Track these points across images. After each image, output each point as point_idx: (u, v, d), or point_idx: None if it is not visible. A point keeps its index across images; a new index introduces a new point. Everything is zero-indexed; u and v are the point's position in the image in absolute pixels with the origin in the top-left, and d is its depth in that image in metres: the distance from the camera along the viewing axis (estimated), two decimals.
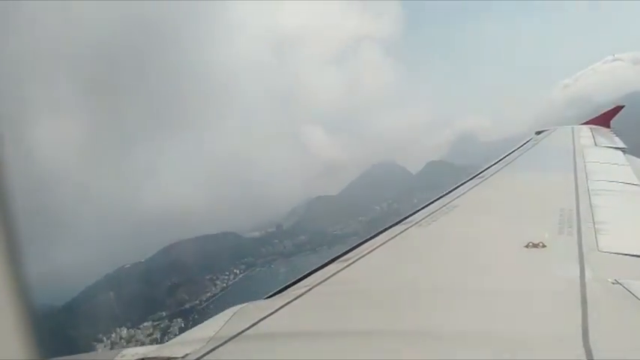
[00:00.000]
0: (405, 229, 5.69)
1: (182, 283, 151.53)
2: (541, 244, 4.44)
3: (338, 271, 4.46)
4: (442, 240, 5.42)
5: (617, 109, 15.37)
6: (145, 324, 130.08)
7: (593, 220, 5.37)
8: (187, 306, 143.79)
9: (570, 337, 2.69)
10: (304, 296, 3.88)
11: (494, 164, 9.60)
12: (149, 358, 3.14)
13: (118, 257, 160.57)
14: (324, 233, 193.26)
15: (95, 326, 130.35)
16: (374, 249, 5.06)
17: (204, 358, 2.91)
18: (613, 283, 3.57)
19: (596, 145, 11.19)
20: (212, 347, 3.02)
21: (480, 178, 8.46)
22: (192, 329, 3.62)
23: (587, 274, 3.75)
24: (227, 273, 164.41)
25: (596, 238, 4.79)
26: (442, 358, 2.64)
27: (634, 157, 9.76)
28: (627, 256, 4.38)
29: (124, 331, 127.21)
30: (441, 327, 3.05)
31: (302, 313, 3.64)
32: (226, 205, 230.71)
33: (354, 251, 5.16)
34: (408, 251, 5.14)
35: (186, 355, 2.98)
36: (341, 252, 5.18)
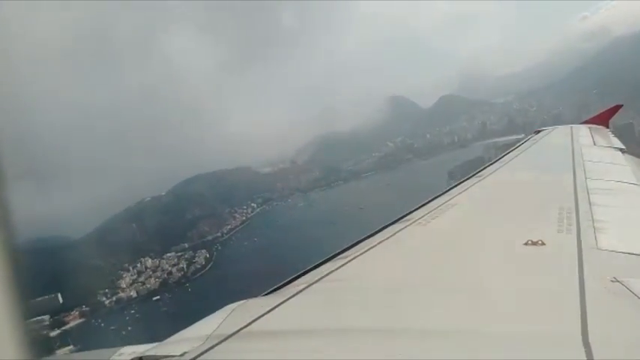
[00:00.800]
0: (404, 227, 5.64)
1: (202, 215, 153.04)
2: (540, 242, 4.47)
3: (336, 269, 4.42)
4: (441, 238, 5.38)
5: (616, 109, 15.37)
6: (169, 254, 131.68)
7: (592, 218, 5.39)
8: (209, 238, 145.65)
9: (570, 335, 2.70)
10: (302, 293, 3.87)
11: (493, 163, 9.63)
12: (147, 356, 3.15)
13: (137, 191, 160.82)
14: (338, 169, 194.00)
15: (120, 256, 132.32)
16: (372, 247, 5.02)
17: (203, 355, 2.90)
18: (612, 282, 3.57)
19: (595, 144, 11.15)
20: (210, 345, 3.02)
21: (479, 176, 8.43)
22: (191, 327, 3.52)
23: (586, 272, 3.76)
24: (244, 207, 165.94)
25: (595, 236, 4.79)
26: (440, 357, 2.65)
27: (633, 157, 9.77)
28: (626, 255, 4.38)
29: (149, 261, 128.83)
30: (440, 325, 3.05)
31: (300, 311, 3.61)
32: (238, 140, 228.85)
33: (352, 249, 5.12)
34: (407, 249, 5.12)
35: (184, 353, 2.98)
36: (339, 249, 5.10)
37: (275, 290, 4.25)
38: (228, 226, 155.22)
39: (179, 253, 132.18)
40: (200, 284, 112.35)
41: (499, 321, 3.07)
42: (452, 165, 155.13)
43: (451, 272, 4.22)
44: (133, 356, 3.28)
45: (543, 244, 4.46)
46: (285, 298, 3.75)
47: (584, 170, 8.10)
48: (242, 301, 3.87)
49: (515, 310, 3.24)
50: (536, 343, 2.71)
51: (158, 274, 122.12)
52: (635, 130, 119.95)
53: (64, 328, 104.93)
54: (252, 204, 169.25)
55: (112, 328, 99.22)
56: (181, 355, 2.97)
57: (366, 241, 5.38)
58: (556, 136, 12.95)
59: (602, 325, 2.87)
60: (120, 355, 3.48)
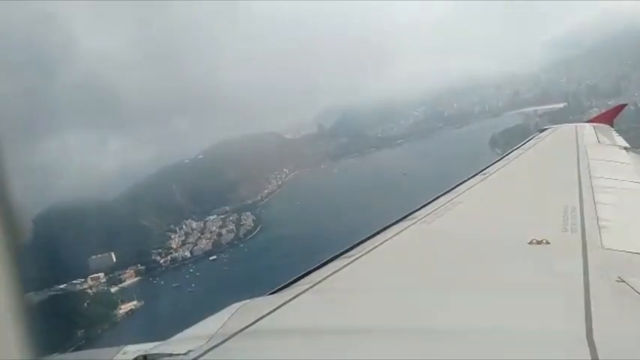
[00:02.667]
0: (409, 226, 5.64)
1: (239, 179, 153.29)
2: (545, 241, 4.44)
3: (341, 268, 4.42)
4: (446, 237, 5.38)
5: (620, 108, 15.41)
6: (211, 217, 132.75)
7: (597, 217, 5.36)
8: (249, 201, 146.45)
9: (574, 335, 2.70)
10: (307, 293, 3.85)
11: (497, 161, 9.68)
12: (151, 354, 3.16)
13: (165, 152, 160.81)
14: (365, 136, 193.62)
15: (163, 217, 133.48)
16: (378, 246, 5.02)
17: (207, 354, 2.91)
18: (617, 281, 3.57)
19: (599, 143, 11.19)
20: (215, 344, 3.02)
21: (484, 174, 8.46)
22: (195, 326, 3.56)
23: (591, 271, 3.75)
24: (276, 172, 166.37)
25: (600, 235, 4.77)
26: (446, 355, 2.65)
27: (637, 155, 9.83)
28: (631, 254, 4.37)
29: (193, 223, 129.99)
30: (445, 325, 3.05)
31: (305, 310, 3.62)
32: (264, 104, 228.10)
33: (357, 248, 5.11)
34: (412, 248, 5.13)
35: (189, 351, 2.98)
36: (344, 248, 5.12)
37: (279, 290, 4.25)
38: (265, 191, 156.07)
39: (221, 216, 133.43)
40: (254, 245, 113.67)
41: (503, 320, 3.08)
42: (490, 133, 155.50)
43: (455, 272, 4.19)
44: (137, 355, 3.26)
45: (548, 243, 4.44)
46: (289, 298, 3.73)
47: (589, 169, 8.07)
48: (246, 300, 3.87)
49: (519, 310, 3.24)
50: (541, 342, 2.73)
51: (208, 235, 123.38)
52: None
53: (121, 285, 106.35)
54: (285, 169, 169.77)
55: (175, 285, 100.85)
56: (185, 353, 2.99)
57: (371, 240, 5.36)
58: (561, 134, 12.97)
59: (607, 324, 2.85)
60: (124, 353, 3.41)
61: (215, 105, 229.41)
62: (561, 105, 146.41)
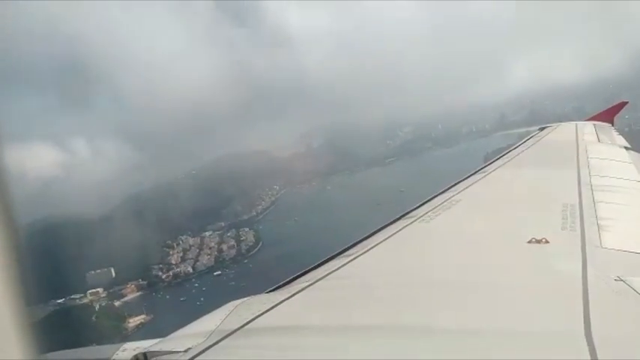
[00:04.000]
0: (408, 224, 5.67)
1: (233, 195, 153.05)
2: (544, 240, 4.46)
3: (340, 267, 4.45)
4: (445, 235, 5.43)
5: (621, 106, 15.49)
6: (207, 233, 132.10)
7: (596, 216, 5.40)
8: (245, 217, 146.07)
9: (573, 333, 2.73)
10: (306, 291, 3.89)
11: (497, 159, 9.66)
12: (151, 352, 3.20)
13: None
14: (353, 155, 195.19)
15: (158, 232, 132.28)
16: (377, 244, 5.05)
17: (206, 351, 2.94)
18: (616, 280, 3.59)
19: (599, 141, 11.14)
20: (213, 341, 3.06)
21: (483, 172, 8.46)
22: (194, 323, 3.63)
23: (590, 270, 3.78)
24: (267, 189, 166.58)
25: (599, 234, 4.81)
26: (445, 354, 2.68)
27: (637, 154, 9.85)
28: (630, 253, 4.42)
29: (190, 239, 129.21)
30: (444, 322, 3.07)
31: (303, 308, 3.64)
32: (251, 120, 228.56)
33: (356, 246, 5.16)
34: (411, 246, 5.17)
35: (188, 348, 3.02)
36: (343, 247, 5.17)
37: (278, 287, 4.29)
38: (259, 207, 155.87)
39: (218, 232, 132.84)
40: (258, 261, 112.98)
41: (503, 319, 3.10)
42: (482, 152, 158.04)
43: (454, 270, 4.20)
44: (136, 352, 3.29)
45: (547, 242, 4.45)
46: (288, 296, 3.76)
47: (589, 167, 8.09)
48: (245, 298, 3.90)
49: (518, 308, 3.26)
50: (539, 341, 2.74)
51: (207, 251, 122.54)
52: None
53: (123, 300, 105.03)
54: (275, 186, 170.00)
55: (182, 299, 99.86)
56: (185, 350, 3.02)
57: (370, 238, 5.41)
58: (561, 132, 13.01)
59: (606, 323, 2.86)
60: (123, 350, 3.48)
61: (205, 123, 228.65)
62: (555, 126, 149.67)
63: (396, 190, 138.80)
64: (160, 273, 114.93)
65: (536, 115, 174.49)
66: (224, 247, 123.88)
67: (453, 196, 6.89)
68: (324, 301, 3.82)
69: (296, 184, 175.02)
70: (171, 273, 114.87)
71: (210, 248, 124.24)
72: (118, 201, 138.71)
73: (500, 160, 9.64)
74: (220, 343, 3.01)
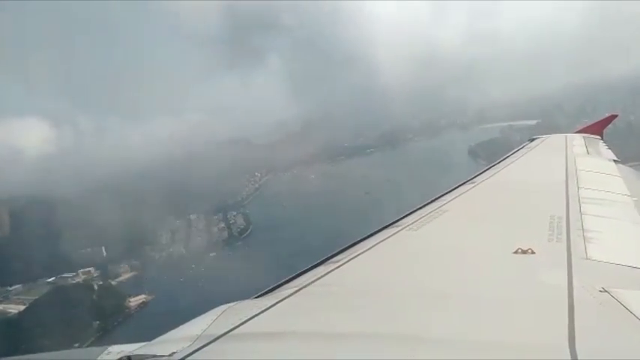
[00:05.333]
0: (396, 233, 5.70)
1: (217, 181, 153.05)
2: (530, 251, 4.48)
3: (327, 273, 4.46)
4: (432, 244, 5.44)
5: (611, 119, 15.56)
6: (192, 216, 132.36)
7: (582, 228, 5.41)
8: (231, 202, 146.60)
9: (557, 345, 2.76)
10: (293, 296, 3.89)
11: (486, 169, 9.69)
12: (135, 355, 3.17)
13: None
14: (332, 145, 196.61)
15: (144, 214, 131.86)
16: (364, 251, 5.07)
17: (191, 356, 2.94)
18: (601, 292, 3.60)
19: (588, 153, 11.21)
20: (199, 346, 3.05)
21: (472, 182, 8.54)
22: (180, 327, 3.60)
23: (575, 281, 3.79)
24: (248, 175, 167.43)
25: (585, 246, 4.82)
26: None
27: (625, 167, 9.93)
28: (615, 265, 4.44)
29: (177, 222, 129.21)
30: (428, 331, 3.09)
31: (290, 314, 3.64)
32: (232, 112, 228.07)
33: (344, 253, 5.19)
34: (398, 255, 5.17)
35: (173, 353, 3.01)
36: (331, 253, 5.22)
37: (266, 293, 4.28)
38: (244, 192, 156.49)
39: (203, 215, 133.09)
40: (251, 244, 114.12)
41: (487, 329, 3.09)
42: (464, 145, 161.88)
43: (440, 279, 4.22)
44: (121, 355, 3.28)
45: (533, 252, 4.46)
46: (275, 301, 3.74)
47: (577, 179, 8.13)
48: (232, 303, 3.87)
49: (502, 319, 3.26)
50: (523, 352, 2.75)
51: (197, 232, 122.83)
52: None
53: (118, 279, 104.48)
54: (256, 173, 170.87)
55: (181, 279, 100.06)
56: (170, 355, 2.98)
57: (358, 245, 5.40)
58: (550, 144, 12.96)
59: (590, 335, 2.89)
60: (108, 353, 3.42)
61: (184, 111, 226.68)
62: (534, 122, 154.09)
63: (383, 180, 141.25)
64: (153, 253, 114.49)
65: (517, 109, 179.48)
66: (214, 229, 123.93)
67: (441, 205, 6.88)
68: (311, 307, 3.80)
69: (277, 172, 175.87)
70: (164, 253, 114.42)
71: (199, 230, 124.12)
72: (98, 182, 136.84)
73: (489, 170, 9.62)
74: (205, 348, 3.00)
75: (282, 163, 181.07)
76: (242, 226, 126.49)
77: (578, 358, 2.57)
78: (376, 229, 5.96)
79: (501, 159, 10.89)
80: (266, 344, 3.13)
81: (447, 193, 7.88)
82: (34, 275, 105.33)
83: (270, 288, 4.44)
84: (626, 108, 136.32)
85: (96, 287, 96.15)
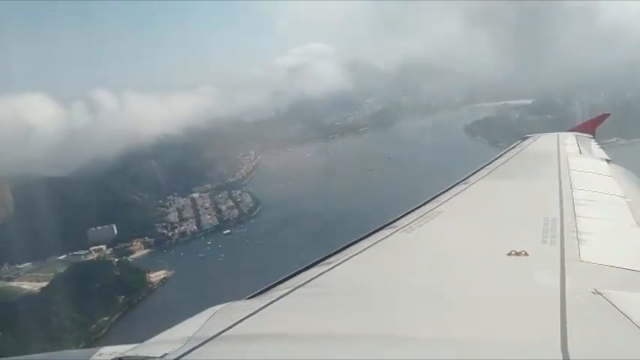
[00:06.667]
0: (390, 235, 5.70)
1: (213, 159, 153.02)
2: (523, 253, 4.50)
3: (320, 274, 4.47)
4: (426, 246, 5.47)
5: (603, 117, 15.71)
6: (195, 195, 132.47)
7: (576, 229, 5.42)
8: (231, 180, 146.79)
9: (549, 346, 2.77)
10: (286, 297, 3.90)
11: (479, 170, 9.63)
12: (127, 357, 3.17)
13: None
14: (322, 123, 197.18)
15: (149, 192, 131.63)
16: (357, 253, 5.08)
17: (183, 357, 2.93)
18: (593, 293, 3.61)
19: (580, 153, 11.16)
20: (191, 347, 3.04)
21: (465, 184, 8.49)
22: (171, 329, 3.56)
23: (568, 283, 3.81)
24: (241, 154, 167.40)
25: (578, 248, 4.84)
26: None
27: (618, 167, 9.96)
28: (608, 267, 4.47)
29: (181, 200, 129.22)
30: (421, 332, 3.11)
31: (283, 315, 3.65)
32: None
33: (338, 254, 5.18)
34: (392, 256, 5.18)
35: (165, 354, 3.00)
36: (324, 255, 5.21)
37: (259, 294, 4.30)
38: (242, 171, 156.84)
39: (204, 193, 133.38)
40: (264, 221, 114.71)
41: (480, 331, 3.12)
42: (458, 124, 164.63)
43: (434, 281, 4.23)
44: (113, 357, 3.23)
45: (526, 254, 4.47)
46: (267, 302, 3.76)
47: (570, 180, 8.11)
48: (225, 304, 3.88)
49: (496, 321, 3.28)
50: (515, 353, 2.77)
51: (205, 211, 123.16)
52: None
53: (133, 256, 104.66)
54: (250, 151, 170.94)
55: (201, 256, 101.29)
56: (161, 356, 2.98)
57: (351, 247, 5.39)
58: (543, 143, 12.93)
59: (582, 336, 2.91)
60: (99, 355, 3.31)
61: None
62: (529, 101, 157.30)
63: (385, 157, 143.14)
64: (165, 231, 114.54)
65: (503, 92, 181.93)
66: (223, 207, 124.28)
67: (435, 207, 6.87)
68: (304, 308, 3.82)
69: (270, 151, 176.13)
70: (177, 231, 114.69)
71: (206, 208, 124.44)
72: (91, 161, 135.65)
73: (482, 170, 9.58)
74: (197, 350, 3.00)
75: (273, 142, 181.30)
76: (251, 205, 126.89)
77: (571, 359, 2.60)
78: (370, 231, 5.91)
79: (494, 158, 10.73)
80: (258, 346, 3.13)
81: (440, 194, 7.82)
82: (44, 253, 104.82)
83: (263, 289, 4.43)
84: (623, 85, 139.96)
85: (115, 263, 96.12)
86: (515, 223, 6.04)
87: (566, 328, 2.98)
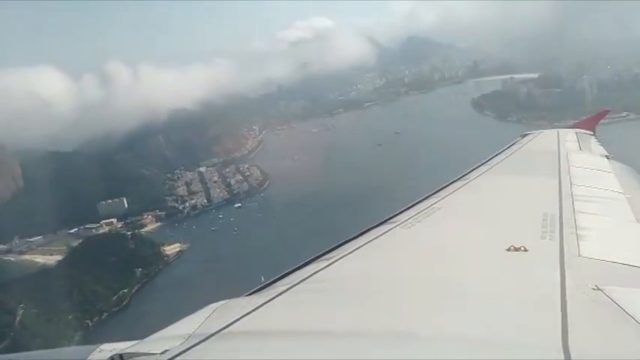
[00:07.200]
0: (388, 230, 5.70)
1: (218, 134, 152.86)
2: (523, 248, 4.48)
3: (319, 270, 4.46)
4: (424, 242, 5.46)
5: (603, 114, 15.51)
6: (202, 169, 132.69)
7: (575, 225, 5.43)
8: (238, 155, 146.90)
9: (550, 342, 2.76)
10: (285, 294, 3.89)
11: (479, 166, 9.58)
12: (127, 353, 3.16)
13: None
14: (326, 98, 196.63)
15: (155, 166, 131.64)
16: (356, 249, 5.07)
17: (183, 354, 2.92)
18: (594, 289, 3.61)
19: (580, 149, 11.17)
20: (191, 344, 3.04)
21: (465, 180, 8.46)
22: (172, 325, 3.55)
23: (568, 279, 3.80)
24: (245, 129, 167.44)
25: (578, 243, 4.83)
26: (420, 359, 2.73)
27: (617, 163, 9.91)
28: (608, 263, 4.46)
29: (189, 174, 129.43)
30: (420, 328, 3.10)
31: (282, 312, 3.65)
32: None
33: (335, 250, 5.19)
34: (390, 252, 5.17)
35: (165, 351, 2.99)
36: (323, 251, 5.20)
37: (258, 291, 4.29)
38: (247, 145, 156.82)
39: (210, 167, 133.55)
40: (274, 195, 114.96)
41: (479, 326, 3.11)
42: (465, 98, 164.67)
43: (433, 277, 4.22)
44: (112, 353, 3.22)
45: (526, 250, 4.48)
46: (267, 299, 3.74)
47: (570, 176, 8.13)
48: (224, 301, 3.88)
49: (495, 317, 3.28)
50: (516, 348, 2.78)
51: (214, 184, 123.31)
52: None
53: (145, 229, 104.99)
54: (254, 127, 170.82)
55: (213, 229, 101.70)
56: (161, 353, 2.99)
57: (350, 243, 5.41)
58: (543, 140, 12.89)
59: (583, 332, 2.90)
60: (100, 351, 3.35)
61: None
62: (535, 75, 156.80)
63: (391, 132, 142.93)
64: (176, 204, 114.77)
65: (507, 66, 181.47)
66: (231, 181, 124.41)
67: (435, 203, 6.85)
68: (303, 305, 3.81)
69: (274, 126, 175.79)
70: (187, 204, 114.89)
71: (214, 182, 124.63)
72: (97, 136, 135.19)
73: (482, 167, 9.54)
74: (197, 346, 3.01)
75: (277, 118, 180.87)
76: (260, 179, 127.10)
77: (571, 355, 2.60)
78: (368, 227, 5.92)
79: (494, 155, 10.66)
80: (257, 343, 3.14)
81: (439, 190, 7.77)
82: (54, 227, 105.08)
83: (262, 286, 4.41)
84: (629, 60, 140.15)
85: (129, 236, 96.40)
86: (514, 218, 6.03)
87: (566, 324, 2.97)
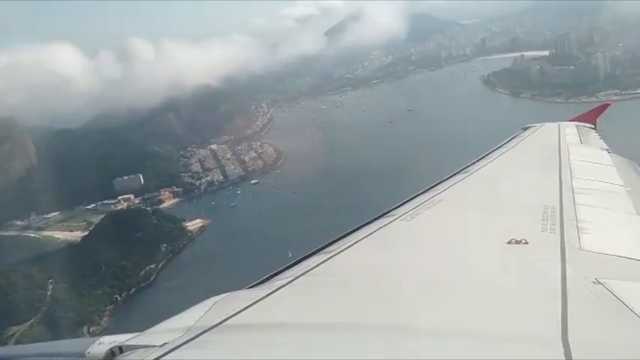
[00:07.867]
0: (389, 223, 5.67)
1: (232, 110, 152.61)
2: (524, 241, 4.47)
3: (320, 263, 4.44)
4: (425, 234, 5.44)
5: (604, 107, 15.46)
6: (213, 146, 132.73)
7: (576, 218, 5.42)
8: (249, 132, 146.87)
9: (550, 335, 2.77)
10: (286, 287, 3.87)
11: (479, 159, 9.56)
12: (127, 345, 3.17)
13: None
14: (331, 76, 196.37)
15: (168, 144, 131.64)
16: (357, 241, 5.02)
17: (183, 346, 2.93)
18: (594, 283, 3.62)
19: (581, 143, 11.19)
20: (191, 336, 3.04)
21: (465, 172, 8.45)
22: (172, 318, 3.52)
23: (569, 272, 3.80)
24: (253, 106, 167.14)
25: (578, 236, 4.82)
26: (421, 354, 2.72)
27: (618, 157, 9.90)
28: (609, 256, 4.44)
29: (201, 151, 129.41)
30: (421, 321, 3.11)
31: (283, 305, 3.64)
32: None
33: (337, 243, 5.13)
34: (391, 245, 5.15)
35: (165, 343, 2.99)
36: (324, 243, 5.17)
37: (259, 283, 4.28)
38: (258, 123, 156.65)
39: (222, 145, 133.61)
40: (290, 172, 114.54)
41: (480, 320, 3.11)
42: (474, 75, 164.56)
43: (433, 270, 4.23)
44: (112, 345, 3.22)
45: (527, 243, 4.47)
46: (268, 292, 3.75)
47: (570, 169, 8.12)
48: (225, 294, 3.87)
49: (496, 310, 3.29)
50: (516, 342, 2.78)
51: (227, 161, 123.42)
52: None
53: (163, 205, 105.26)
54: (263, 104, 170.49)
55: (233, 205, 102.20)
56: (161, 345, 2.99)
57: (351, 235, 5.40)
58: (543, 133, 12.82)
59: (583, 325, 2.90)
60: (100, 344, 3.31)
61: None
62: (546, 52, 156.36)
63: (402, 110, 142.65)
64: (192, 180, 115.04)
65: (515, 43, 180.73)
66: (246, 158, 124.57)
67: (435, 195, 6.80)
68: (303, 298, 3.81)
69: (282, 103, 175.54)
70: (204, 180, 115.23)
71: (228, 159, 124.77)
72: (122, 114, 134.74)
73: (482, 160, 9.48)
74: (197, 339, 3.02)
75: (285, 95, 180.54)
76: (274, 156, 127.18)
77: (571, 349, 2.61)
78: (369, 219, 5.87)
79: (494, 148, 10.55)
80: (258, 335, 3.15)
81: (440, 182, 7.73)
82: (71, 203, 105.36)
83: (264, 278, 4.38)
84: (636, 36, 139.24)
85: (151, 212, 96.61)
86: (514, 211, 5.99)
87: (566, 317, 2.97)
